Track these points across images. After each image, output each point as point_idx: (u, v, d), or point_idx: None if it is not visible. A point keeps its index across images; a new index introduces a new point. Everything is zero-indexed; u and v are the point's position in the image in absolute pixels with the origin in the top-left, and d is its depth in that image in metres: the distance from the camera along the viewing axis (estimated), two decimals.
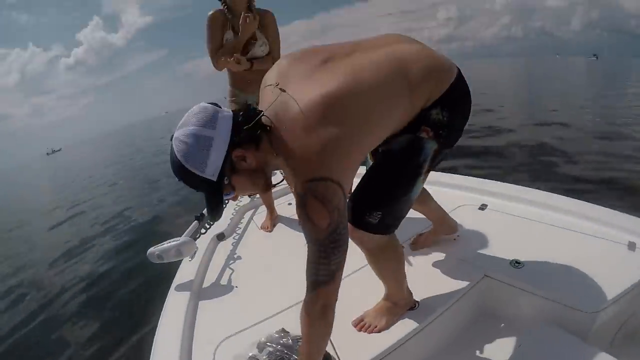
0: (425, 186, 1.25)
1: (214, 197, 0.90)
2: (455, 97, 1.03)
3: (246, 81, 2.04)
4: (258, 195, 2.39)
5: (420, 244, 1.62)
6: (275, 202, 2.36)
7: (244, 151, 0.87)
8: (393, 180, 1.07)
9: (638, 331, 1.29)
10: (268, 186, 0.99)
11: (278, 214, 2.31)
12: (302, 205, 0.87)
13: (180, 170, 0.85)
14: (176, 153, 0.84)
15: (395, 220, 1.12)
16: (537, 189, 1.87)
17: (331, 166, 0.85)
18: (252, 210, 2.52)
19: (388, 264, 1.20)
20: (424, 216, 1.59)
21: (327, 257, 0.89)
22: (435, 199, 1.55)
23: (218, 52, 1.97)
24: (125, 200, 7.65)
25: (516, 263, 1.37)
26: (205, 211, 2.22)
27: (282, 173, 1.09)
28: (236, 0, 1.91)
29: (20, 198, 15.21)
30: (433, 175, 1.19)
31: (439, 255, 1.53)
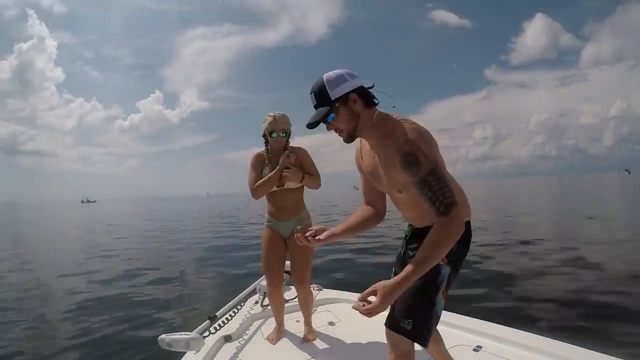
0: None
1: (323, 110, 1.26)
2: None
3: (280, 210, 2.37)
4: (270, 307, 2.51)
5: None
6: (286, 317, 2.51)
7: (358, 98, 1.27)
8: (419, 296, 1.32)
9: None
10: (350, 136, 1.31)
11: (285, 328, 2.45)
12: (413, 150, 1.17)
13: (318, 85, 1.26)
14: (324, 75, 1.27)
15: (424, 330, 1.32)
16: (531, 332, 1.91)
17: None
18: (262, 320, 2.64)
19: None
20: (456, 332, 1.85)
21: (445, 182, 1.15)
22: None
23: (256, 183, 2.30)
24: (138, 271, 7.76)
25: None
26: (218, 313, 2.39)
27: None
28: (276, 142, 2.32)
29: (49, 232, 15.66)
30: None
31: None
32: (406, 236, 1.53)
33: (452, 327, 2.15)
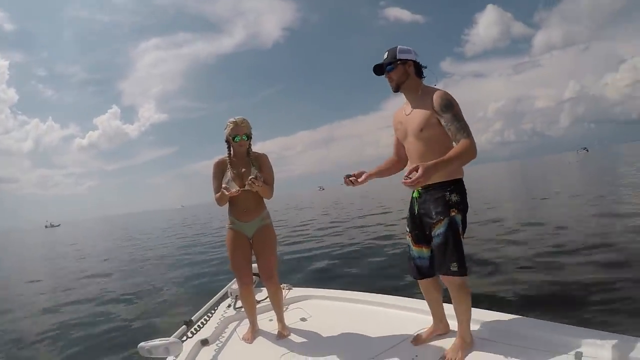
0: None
1: (390, 65, 1.92)
2: (460, 185, 1.88)
3: (243, 211, 2.46)
4: (243, 309, 2.64)
5: (421, 341, 2.06)
6: (259, 317, 2.65)
7: (412, 65, 1.92)
8: (452, 244, 1.80)
9: None
10: (397, 86, 1.95)
11: (259, 328, 2.58)
12: (450, 98, 1.80)
13: (393, 48, 1.92)
14: (398, 45, 1.92)
15: (463, 266, 1.80)
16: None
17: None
18: (237, 322, 2.77)
19: (467, 301, 1.86)
20: (422, 316, 2.20)
21: (466, 123, 1.74)
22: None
23: (219, 192, 2.39)
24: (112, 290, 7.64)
25: None
26: (193, 317, 2.52)
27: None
28: (239, 147, 2.44)
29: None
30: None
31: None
32: (415, 204, 1.99)
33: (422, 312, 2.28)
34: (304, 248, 8.94)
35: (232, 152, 2.50)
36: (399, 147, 2.12)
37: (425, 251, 1.98)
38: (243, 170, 2.46)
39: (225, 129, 2.44)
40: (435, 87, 1.92)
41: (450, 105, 1.78)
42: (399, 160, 2.16)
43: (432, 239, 1.88)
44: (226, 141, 2.47)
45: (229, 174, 2.44)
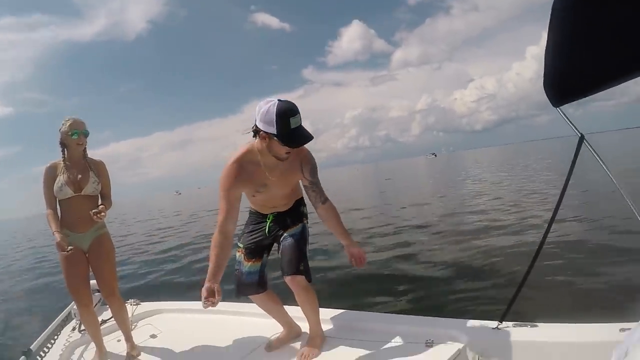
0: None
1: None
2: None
3: (78, 220, 2.29)
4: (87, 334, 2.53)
5: (273, 347, 2.08)
6: (106, 338, 2.54)
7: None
8: (302, 247, 1.97)
9: None
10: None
11: (107, 350, 2.43)
12: (316, 165, 1.91)
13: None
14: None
15: (309, 271, 1.93)
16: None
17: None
18: (83, 347, 2.61)
19: (314, 300, 1.97)
20: (274, 322, 2.17)
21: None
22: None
23: (50, 203, 2.26)
24: None
25: None
26: (32, 345, 2.35)
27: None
28: (76, 145, 2.31)
29: None
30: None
31: None
32: (268, 224, 2.06)
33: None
34: (158, 258, 8.65)
35: (66, 154, 2.33)
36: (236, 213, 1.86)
37: (256, 265, 2.01)
38: (79, 176, 2.30)
39: (62, 126, 2.28)
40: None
41: (317, 170, 1.92)
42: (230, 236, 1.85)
43: (282, 241, 1.97)
44: (61, 143, 2.31)
45: (61, 178, 2.25)
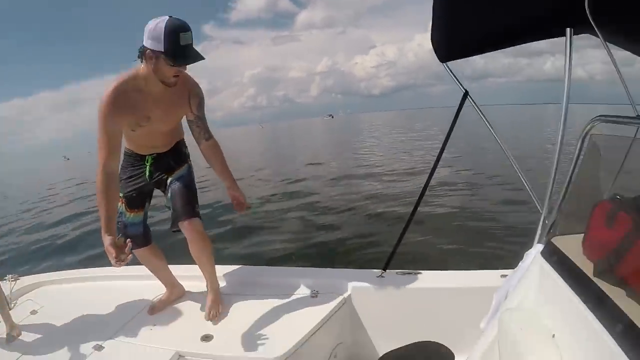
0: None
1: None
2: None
3: None
4: None
5: (157, 309, 1.95)
6: None
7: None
8: (193, 188, 1.88)
9: (351, 356, 1.77)
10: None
11: None
12: (201, 94, 1.78)
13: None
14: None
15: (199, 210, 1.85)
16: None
17: None
18: None
19: (210, 249, 1.86)
20: (158, 283, 2.04)
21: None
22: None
23: None
24: None
25: (205, 337, 1.64)
26: None
27: None
28: None
29: None
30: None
31: (131, 342, 1.76)
32: (148, 168, 1.87)
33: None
34: (44, 232, 7.76)
35: None
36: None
37: (139, 215, 1.89)
38: None
39: None
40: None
41: (204, 104, 1.78)
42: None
43: (170, 185, 1.85)
44: None
45: None
